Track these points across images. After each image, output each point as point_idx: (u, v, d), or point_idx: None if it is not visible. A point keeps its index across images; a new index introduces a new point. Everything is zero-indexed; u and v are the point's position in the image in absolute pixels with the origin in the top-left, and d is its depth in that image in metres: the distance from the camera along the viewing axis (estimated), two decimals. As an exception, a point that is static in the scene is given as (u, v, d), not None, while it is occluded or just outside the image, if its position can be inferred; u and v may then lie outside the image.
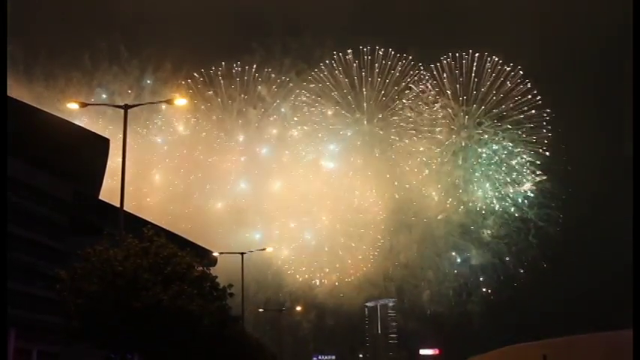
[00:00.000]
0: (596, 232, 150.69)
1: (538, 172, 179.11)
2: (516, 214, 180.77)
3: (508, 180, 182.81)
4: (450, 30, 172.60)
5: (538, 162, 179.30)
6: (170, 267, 32.02)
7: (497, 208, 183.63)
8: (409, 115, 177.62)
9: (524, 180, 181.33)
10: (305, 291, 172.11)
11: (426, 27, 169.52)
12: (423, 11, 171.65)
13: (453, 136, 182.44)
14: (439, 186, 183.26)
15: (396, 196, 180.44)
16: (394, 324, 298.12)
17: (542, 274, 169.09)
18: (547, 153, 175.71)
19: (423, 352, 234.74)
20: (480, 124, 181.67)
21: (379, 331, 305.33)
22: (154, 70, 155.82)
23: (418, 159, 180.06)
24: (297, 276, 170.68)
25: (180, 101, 42.26)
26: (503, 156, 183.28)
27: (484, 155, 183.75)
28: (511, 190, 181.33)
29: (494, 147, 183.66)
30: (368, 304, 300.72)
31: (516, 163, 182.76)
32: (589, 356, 36.50)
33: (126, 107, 35.57)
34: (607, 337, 37.74)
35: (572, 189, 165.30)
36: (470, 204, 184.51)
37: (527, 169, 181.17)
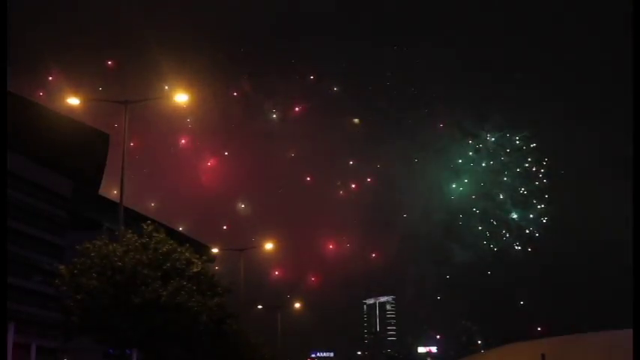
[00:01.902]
0: (592, 228, 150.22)
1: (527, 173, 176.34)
2: (500, 214, 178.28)
3: (494, 180, 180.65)
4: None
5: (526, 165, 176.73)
6: (169, 263, 31.96)
7: (480, 208, 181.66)
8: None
9: (512, 182, 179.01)
10: (293, 288, 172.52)
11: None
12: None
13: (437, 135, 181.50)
14: (422, 184, 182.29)
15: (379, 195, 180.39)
16: (392, 321, 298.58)
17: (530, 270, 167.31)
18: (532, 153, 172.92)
19: (421, 349, 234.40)
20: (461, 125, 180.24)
21: (377, 329, 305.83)
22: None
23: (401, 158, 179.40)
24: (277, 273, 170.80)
25: (181, 97, 39.27)
26: (490, 156, 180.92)
27: (470, 154, 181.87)
28: (496, 191, 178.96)
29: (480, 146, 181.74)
30: (366, 301, 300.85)
31: (503, 163, 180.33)
32: (588, 355, 36.48)
33: (126, 103, 35.48)
34: (606, 335, 37.68)
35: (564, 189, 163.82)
36: (454, 202, 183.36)
37: (515, 172, 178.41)
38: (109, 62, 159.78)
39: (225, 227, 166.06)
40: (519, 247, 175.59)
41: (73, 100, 36.71)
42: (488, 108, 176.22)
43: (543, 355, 37.79)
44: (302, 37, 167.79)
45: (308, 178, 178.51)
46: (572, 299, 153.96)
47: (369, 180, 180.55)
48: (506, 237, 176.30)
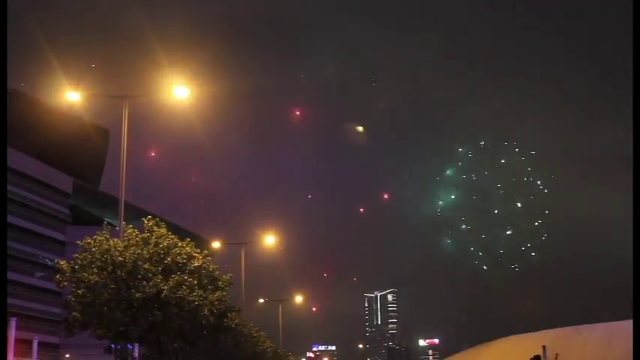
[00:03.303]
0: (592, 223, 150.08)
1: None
2: (493, 230, 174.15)
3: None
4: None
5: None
6: (170, 257, 32.07)
7: (472, 223, 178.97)
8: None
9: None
10: (291, 282, 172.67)
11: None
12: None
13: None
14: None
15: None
16: (394, 314, 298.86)
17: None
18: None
19: (422, 342, 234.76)
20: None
21: (379, 322, 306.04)
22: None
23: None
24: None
25: (181, 91, 36.18)
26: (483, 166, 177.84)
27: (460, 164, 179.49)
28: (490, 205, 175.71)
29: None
30: (367, 294, 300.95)
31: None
32: (588, 346, 36.64)
33: (125, 98, 35.48)
34: (606, 327, 37.85)
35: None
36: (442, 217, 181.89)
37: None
38: (109, 56, 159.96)
39: None
40: (517, 268, 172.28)
41: (73, 96, 36.56)
42: (482, 114, 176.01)
43: (544, 347, 37.94)
44: (300, 35, 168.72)
45: (309, 196, 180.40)
46: (570, 293, 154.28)
47: (385, 197, 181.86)
48: (501, 253, 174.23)
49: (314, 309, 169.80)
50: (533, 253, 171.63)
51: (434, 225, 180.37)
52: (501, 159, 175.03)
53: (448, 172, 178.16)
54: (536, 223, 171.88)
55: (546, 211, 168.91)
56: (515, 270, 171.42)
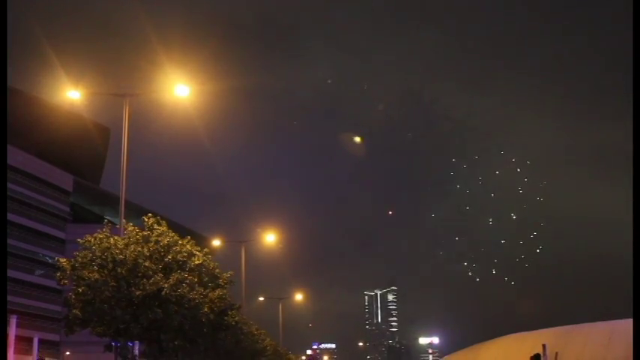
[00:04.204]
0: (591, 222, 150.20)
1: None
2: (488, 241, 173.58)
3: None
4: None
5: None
6: (170, 255, 32.10)
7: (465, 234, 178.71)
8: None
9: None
10: (291, 281, 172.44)
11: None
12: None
13: None
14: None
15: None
16: (394, 312, 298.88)
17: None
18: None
19: (422, 340, 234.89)
20: None
21: (379, 320, 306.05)
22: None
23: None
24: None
25: (182, 90, 35.67)
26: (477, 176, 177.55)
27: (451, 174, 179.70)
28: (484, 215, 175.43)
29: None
30: (368, 292, 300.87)
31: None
32: (588, 345, 36.72)
33: (126, 96, 35.44)
34: (607, 325, 37.95)
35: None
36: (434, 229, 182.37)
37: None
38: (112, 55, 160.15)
39: None
40: (513, 282, 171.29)
41: (74, 94, 36.50)
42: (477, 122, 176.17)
43: (544, 345, 38.01)
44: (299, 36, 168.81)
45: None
46: (570, 292, 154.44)
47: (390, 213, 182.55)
48: (495, 263, 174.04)
49: (310, 325, 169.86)
50: (526, 265, 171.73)
51: (430, 231, 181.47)
52: (496, 170, 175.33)
53: (443, 181, 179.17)
54: (532, 236, 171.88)
55: (541, 224, 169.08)
56: (511, 284, 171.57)
